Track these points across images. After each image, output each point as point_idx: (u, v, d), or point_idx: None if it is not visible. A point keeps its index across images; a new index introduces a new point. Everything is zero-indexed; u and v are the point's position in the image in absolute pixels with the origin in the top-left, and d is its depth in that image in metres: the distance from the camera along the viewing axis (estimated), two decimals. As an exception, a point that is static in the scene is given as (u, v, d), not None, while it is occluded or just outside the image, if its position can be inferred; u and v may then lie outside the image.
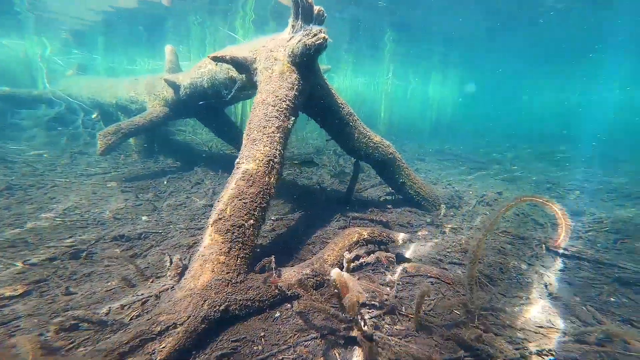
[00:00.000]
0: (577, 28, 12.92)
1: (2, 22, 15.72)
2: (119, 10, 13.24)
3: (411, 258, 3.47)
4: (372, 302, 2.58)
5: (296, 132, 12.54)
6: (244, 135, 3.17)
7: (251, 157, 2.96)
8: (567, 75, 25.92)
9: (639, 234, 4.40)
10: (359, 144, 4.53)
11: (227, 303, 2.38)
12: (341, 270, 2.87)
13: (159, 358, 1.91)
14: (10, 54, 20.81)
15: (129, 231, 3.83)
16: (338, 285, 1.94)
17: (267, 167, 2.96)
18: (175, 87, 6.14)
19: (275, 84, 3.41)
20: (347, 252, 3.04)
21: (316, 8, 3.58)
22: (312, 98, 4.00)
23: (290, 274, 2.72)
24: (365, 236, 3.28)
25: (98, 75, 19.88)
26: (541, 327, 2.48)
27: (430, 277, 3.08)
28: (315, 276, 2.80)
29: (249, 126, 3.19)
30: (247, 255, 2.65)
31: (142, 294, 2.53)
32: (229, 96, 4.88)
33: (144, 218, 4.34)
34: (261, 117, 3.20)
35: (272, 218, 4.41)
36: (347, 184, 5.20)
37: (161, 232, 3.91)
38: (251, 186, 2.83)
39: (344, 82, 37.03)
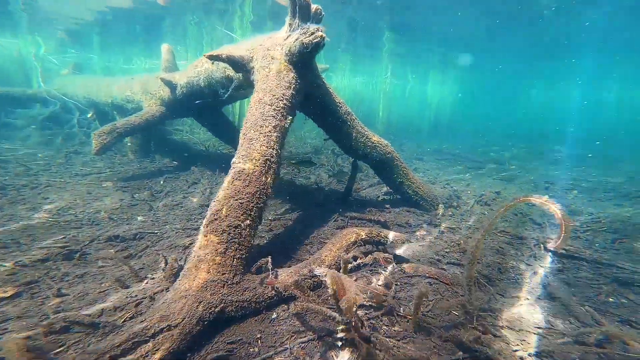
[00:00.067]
0: (576, 27, 12.97)
1: (-5, 21, 15.58)
2: (115, 9, 13.14)
3: (409, 258, 3.44)
4: (370, 303, 2.55)
5: (294, 131, 12.51)
6: (241, 134, 3.13)
7: (248, 157, 2.93)
8: (567, 75, 26.05)
9: (637, 234, 4.40)
10: (357, 143, 4.50)
11: (222, 304, 2.35)
12: (339, 271, 2.85)
13: (152, 361, 1.87)
14: (4, 52, 20.63)
15: (124, 231, 3.78)
16: (335, 287, 1.91)
17: (264, 166, 2.93)
18: (171, 86, 6.08)
19: (272, 82, 3.37)
20: (344, 252, 3.02)
21: (313, 6, 3.55)
22: (310, 97, 3.97)
23: (287, 275, 2.69)
24: (363, 236, 3.25)
25: (94, 74, 19.73)
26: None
27: (429, 277, 3.06)
28: (313, 277, 2.77)
29: (246, 125, 3.16)
30: (244, 256, 2.61)
31: (136, 296, 2.49)
32: (226, 95, 4.83)
33: (139, 218, 4.29)
34: (258, 116, 3.16)
35: (269, 218, 4.37)
36: (345, 184, 5.18)
37: (157, 233, 3.86)
38: (247, 186, 2.79)
39: (342, 81, 37.02)
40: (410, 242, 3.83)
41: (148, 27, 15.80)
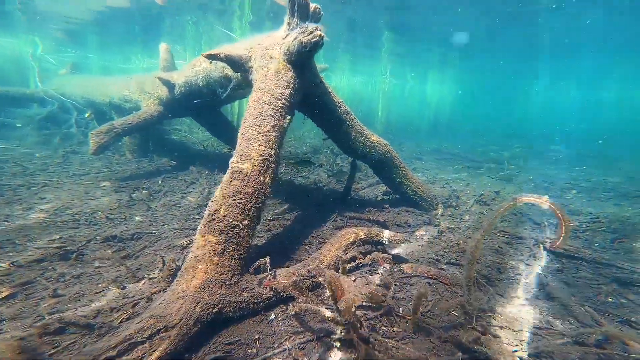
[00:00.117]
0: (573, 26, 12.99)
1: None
2: (113, 9, 13.09)
3: (408, 258, 3.43)
4: (369, 304, 2.53)
5: (293, 131, 12.48)
6: (239, 134, 3.10)
7: (246, 157, 2.91)
8: (566, 74, 26.12)
9: (636, 234, 4.40)
10: (355, 142, 4.49)
11: (220, 305, 2.33)
12: (337, 271, 2.83)
13: (149, 363, 1.85)
14: (1, 52, 20.52)
15: (121, 232, 3.76)
16: (333, 288, 1.89)
17: (262, 166, 2.91)
18: (169, 85, 6.06)
19: (270, 82, 3.35)
20: (343, 253, 3.00)
21: (312, 5, 3.53)
22: (309, 96, 3.95)
23: (286, 275, 2.67)
24: (362, 236, 3.23)
25: (92, 74, 19.67)
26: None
27: (428, 277, 3.04)
28: (312, 277, 2.75)
29: (244, 125, 3.13)
30: (242, 256, 2.60)
31: (133, 296, 2.46)
32: (224, 95, 4.81)
33: (137, 218, 4.27)
34: (256, 115, 3.14)
35: (268, 218, 4.35)
36: (344, 183, 5.16)
37: (155, 233, 3.84)
38: (246, 186, 2.78)
39: (341, 81, 37.00)
40: (409, 241, 3.82)
41: (146, 26, 15.76)
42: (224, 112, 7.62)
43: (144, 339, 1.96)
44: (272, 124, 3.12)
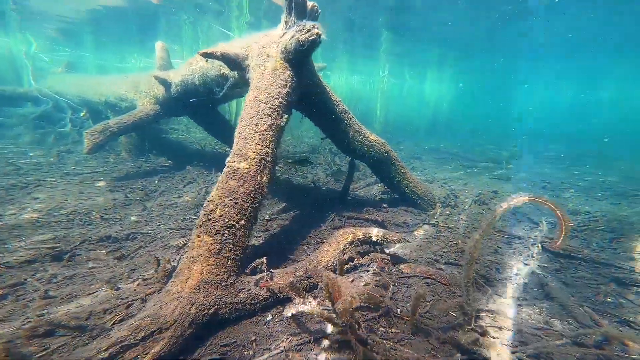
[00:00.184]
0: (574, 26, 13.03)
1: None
2: (108, 8, 12.97)
3: (406, 259, 3.40)
4: (367, 305, 2.50)
5: (291, 130, 12.44)
6: (236, 132, 3.07)
7: (243, 156, 2.87)
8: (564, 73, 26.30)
9: (634, 233, 4.40)
10: (354, 142, 4.46)
11: (216, 306, 2.30)
12: (335, 272, 2.80)
13: (142, 366, 1.81)
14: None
15: (116, 232, 3.71)
16: (330, 290, 1.86)
17: (259, 165, 2.87)
18: (166, 84, 6.00)
19: (267, 81, 3.31)
20: (341, 253, 2.97)
21: (310, 3, 3.49)
22: (306, 95, 3.91)
23: (283, 276, 2.64)
24: (360, 236, 3.20)
25: (88, 73, 19.50)
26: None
27: (426, 277, 3.02)
28: (309, 278, 2.72)
29: (241, 124, 3.10)
30: (238, 257, 2.56)
31: (126, 298, 2.42)
32: (221, 94, 4.77)
33: (132, 218, 4.21)
34: (253, 114, 3.10)
35: (265, 218, 4.31)
36: (342, 183, 5.13)
37: (150, 233, 3.79)
38: (242, 185, 2.74)
39: (339, 80, 36.96)
40: (407, 241, 3.79)
41: (143, 25, 15.65)
42: (222, 111, 7.56)
43: (137, 341, 1.92)
44: (269, 123, 3.09)
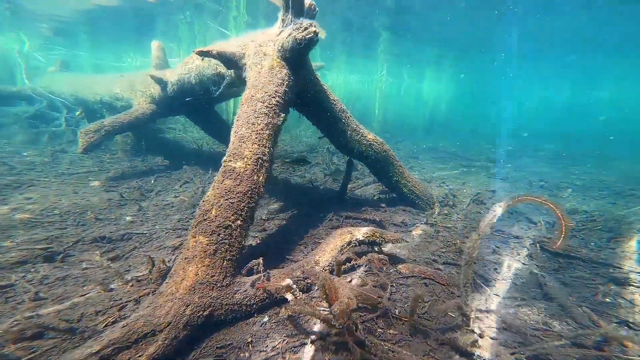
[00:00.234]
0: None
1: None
2: (103, 8, 12.84)
3: (405, 259, 3.38)
4: (365, 305, 2.48)
5: (290, 129, 12.39)
6: (232, 132, 3.03)
7: (239, 155, 2.83)
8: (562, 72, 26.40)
9: (632, 232, 4.40)
10: (352, 141, 4.43)
11: (211, 308, 2.26)
12: (333, 272, 2.77)
13: (134, 369, 1.77)
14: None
15: (110, 232, 3.66)
16: (327, 291, 1.83)
17: (255, 165, 2.84)
18: (162, 83, 5.94)
19: (264, 79, 3.28)
20: (339, 253, 2.94)
21: (307, 1, 3.46)
22: (304, 94, 3.88)
23: (280, 277, 2.60)
24: (358, 236, 3.17)
25: (83, 72, 19.32)
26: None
27: (425, 278, 3.00)
28: (306, 279, 2.68)
29: (237, 123, 3.06)
30: (234, 258, 2.53)
31: (119, 299, 2.38)
32: (218, 93, 4.72)
33: (128, 218, 4.16)
34: (250, 113, 3.07)
35: (263, 218, 4.28)
36: (340, 182, 5.10)
37: (146, 233, 3.74)
38: (239, 185, 2.70)
39: (337, 79, 36.92)
40: (406, 241, 3.77)
41: (139, 24, 15.53)
42: (220, 110, 7.51)
43: (130, 344, 1.88)
44: (265, 122, 3.05)
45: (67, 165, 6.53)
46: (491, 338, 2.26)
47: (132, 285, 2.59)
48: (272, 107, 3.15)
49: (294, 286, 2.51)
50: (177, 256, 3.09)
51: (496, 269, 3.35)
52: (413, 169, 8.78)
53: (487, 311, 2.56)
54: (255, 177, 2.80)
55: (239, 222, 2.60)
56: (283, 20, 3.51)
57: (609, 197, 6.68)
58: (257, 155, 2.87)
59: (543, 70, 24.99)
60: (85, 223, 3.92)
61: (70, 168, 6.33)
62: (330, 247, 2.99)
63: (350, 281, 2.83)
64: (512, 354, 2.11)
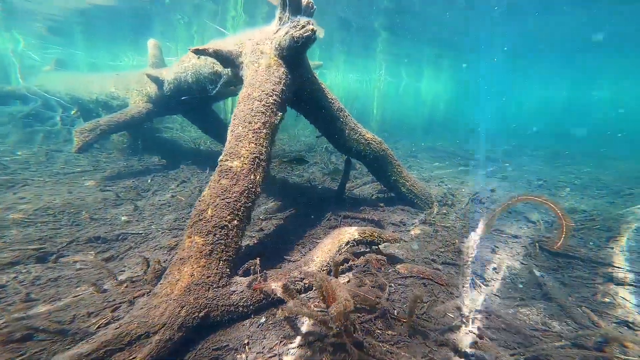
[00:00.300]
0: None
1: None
2: (98, 7, 12.73)
3: (403, 259, 3.35)
4: (363, 306, 2.45)
5: (288, 129, 12.34)
6: (229, 131, 2.99)
7: (235, 154, 2.79)
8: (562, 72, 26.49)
9: (630, 232, 4.39)
10: (350, 140, 4.40)
11: (207, 309, 2.23)
12: (330, 274, 2.74)
13: (128, 372, 1.74)
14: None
15: (105, 232, 3.60)
16: (324, 292, 1.80)
17: (252, 164, 2.80)
18: (158, 82, 5.88)
19: (261, 77, 3.24)
20: (337, 253, 2.91)
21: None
22: (302, 93, 3.84)
23: (277, 278, 2.57)
24: (356, 236, 3.14)
25: (79, 71, 19.14)
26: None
27: (423, 278, 2.97)
28: (303, 279, 2.65)
29: (234, 122, 3.02)
30: (231, 258, 2.49)
31: (113, 300, 2.33)
32: (214, 91, 4.68)
33: (123, 218, 4.11)
34: (247, 112, 3.03)
35: (260, 217, 4.24)
36: (339, 182, 5.07)
37: (142, 233, 3.69)
38: (235, 184, 2.66)
39: (336, 78, 36.89)
40: (404, 241, 3.74)
41: (136, 24, 15.43)
42: (217, 109, 7.46)
43: (123, 346, 1.84)
44: (262, 121, 3.01)
45: (62, 164, 6.46)
46: (490, 339, 2.24)
47: (126, 286, 2.55)
48: (269, 106, 3.11)
49: (291, 287, 2.47)
50: (172, 256, 3.05)
51: (495, 268, 3.33)
52: (411, 168, 8.76)
53: (487, 311, 2.54)
54: (252, 177, 2.76)
55: (235, 222, 2.56)
56: (280, 18, 3.48)
57: (607, 196, 6.69)
58: (254, 155, 2.83)
59: (542, 70, 25.05)
60: (80, 223, 3.86)
61: (65, 167, 6.26)
62: (328, 247, 2.96)
63: (348, 281, 2.80)
64: (512, 355, 2.09)
